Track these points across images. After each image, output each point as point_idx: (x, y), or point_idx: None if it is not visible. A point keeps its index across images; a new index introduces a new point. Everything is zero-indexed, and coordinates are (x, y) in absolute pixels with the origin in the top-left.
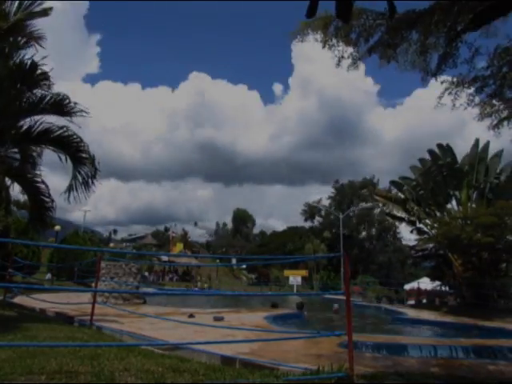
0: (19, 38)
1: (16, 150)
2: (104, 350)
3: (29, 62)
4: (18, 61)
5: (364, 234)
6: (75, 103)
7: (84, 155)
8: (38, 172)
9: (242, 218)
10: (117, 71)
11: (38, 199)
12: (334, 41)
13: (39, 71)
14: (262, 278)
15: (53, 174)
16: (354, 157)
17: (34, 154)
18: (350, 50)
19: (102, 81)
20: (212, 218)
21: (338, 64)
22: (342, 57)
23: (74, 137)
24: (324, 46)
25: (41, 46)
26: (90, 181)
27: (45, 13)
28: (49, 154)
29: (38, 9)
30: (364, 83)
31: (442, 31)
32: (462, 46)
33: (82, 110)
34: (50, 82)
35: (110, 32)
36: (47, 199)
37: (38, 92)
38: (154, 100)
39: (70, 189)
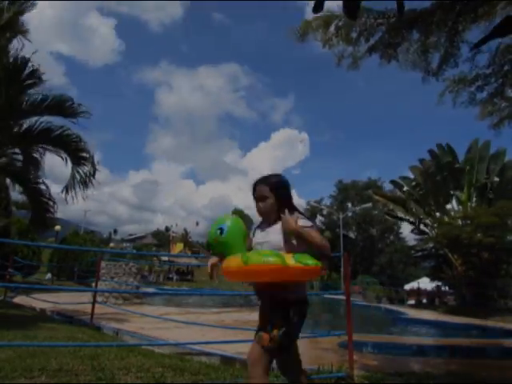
0: (8, 35)
1: (17, 150)
2: (104, 349)
3: (19, 57)
4: (11, 59)
5: (366, 233)
6: (79, 104)
7: (84, 154)
8: (40, 173)
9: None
10: None
11: (39, 200)
12: (335, 40)
13: (30, 68)
14: None
15: None
16: None
17: (37, 155)
18: (350, 49)
19: None
20: None
21: (338, 64)
22: (342, 56)
23: (74, 136)
24: (324, 46)
25: (27, 39)
26: (88, 180)
27: (31, 7)
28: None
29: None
30: None
31: (443, 30)
32: (463, 44)
33: (85, 112)
34: (40, 78)
35: None
36: (48, 200)
37: (31, 91)
38: None
39: (67, 188)
